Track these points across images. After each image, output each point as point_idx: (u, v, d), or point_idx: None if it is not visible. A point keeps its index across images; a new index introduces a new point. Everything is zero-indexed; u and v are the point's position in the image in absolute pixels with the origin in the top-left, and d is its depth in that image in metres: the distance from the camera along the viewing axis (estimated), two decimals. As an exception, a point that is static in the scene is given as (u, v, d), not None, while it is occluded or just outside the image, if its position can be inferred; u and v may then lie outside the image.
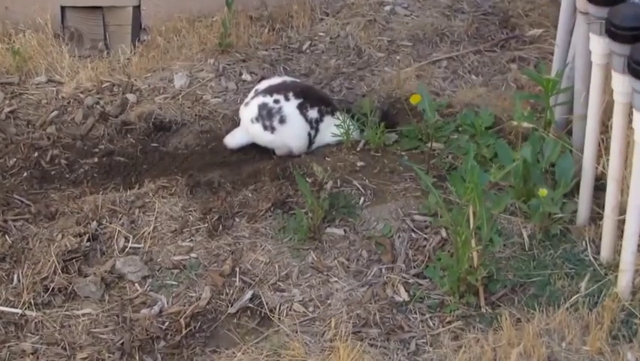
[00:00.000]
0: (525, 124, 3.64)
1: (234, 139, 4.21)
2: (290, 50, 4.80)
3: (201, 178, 3.96)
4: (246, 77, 4.60)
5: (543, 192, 3.46)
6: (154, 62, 4.70)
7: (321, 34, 4.90)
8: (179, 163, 4.14)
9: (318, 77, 4.59)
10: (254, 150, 4.18)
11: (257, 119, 4.09)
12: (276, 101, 4.08)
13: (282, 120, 4.08)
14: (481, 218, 3.24)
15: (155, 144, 4.27)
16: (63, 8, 4.95)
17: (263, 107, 4.08)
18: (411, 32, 4.86)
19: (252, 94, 4.20)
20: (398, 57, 4.69)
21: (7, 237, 3.68)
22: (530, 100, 4.10)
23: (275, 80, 4.22)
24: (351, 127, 4.09)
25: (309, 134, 4.13)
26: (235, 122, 4.29)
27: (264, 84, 4.20)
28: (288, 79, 4.26)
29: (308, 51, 4.79)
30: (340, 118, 4.11)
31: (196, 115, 4.39)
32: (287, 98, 4.09)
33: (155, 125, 4.34)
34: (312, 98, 4.15)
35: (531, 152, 3.56)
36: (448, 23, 4.92)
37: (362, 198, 3.82)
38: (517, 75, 4.50)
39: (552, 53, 4.28)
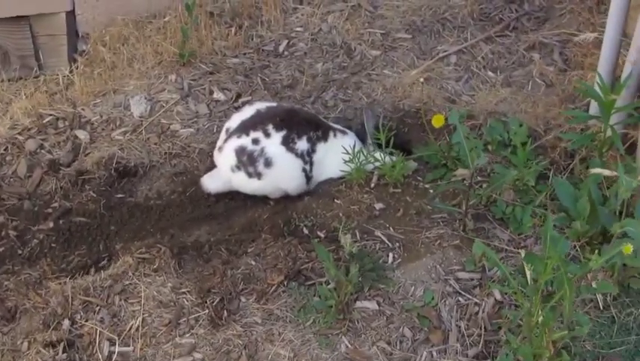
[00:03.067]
0: (597, 170, 2.94)
1: (214, 182, 3.46)
2: (265, 54, 4.01)
3: (186, 240, 3.24)
4: (219, 95, 3.81)
5: (628, 248, 2.81)
6: (101, 83, 3.87)
7: (299, 29, 4.11)
8: (154, 220, 3.39)
9: (305, 88, 3.82)
10: (242, 193, 3.43)
11: (238, 168, 3.34)
12: (255, 141, 3.33)
13: (267, 163, 3.33)
14: (565, 299, 2.61)
15: (120, 195, 3.50)
16: (-20, 22, 4.02)
17: (241, 151, 3.33)
18: (406, 20, 4.11)
19: (223, 134, 3.43)
20: (397, 55, 3.93)
21: (-42, 355, 2.93)
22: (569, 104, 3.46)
23: (247, 112, 3.42)
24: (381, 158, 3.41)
25: (305, 170, 3.40)
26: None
27: (235, 120, 3.41)
28: (261, 106, 3.44)
29: (286, 53, 4.01)
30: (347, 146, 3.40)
31: (165, 153, 3.62)
32: (267, 134, 3.34)
33: (118, 171, 3.56)
34: (297, 126, 3.38)
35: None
36: (446, 3, 4.16)
37: (390, 255, 3.16)
38: (542, 68, 3.80)
39: (575, 35, 3.60)
